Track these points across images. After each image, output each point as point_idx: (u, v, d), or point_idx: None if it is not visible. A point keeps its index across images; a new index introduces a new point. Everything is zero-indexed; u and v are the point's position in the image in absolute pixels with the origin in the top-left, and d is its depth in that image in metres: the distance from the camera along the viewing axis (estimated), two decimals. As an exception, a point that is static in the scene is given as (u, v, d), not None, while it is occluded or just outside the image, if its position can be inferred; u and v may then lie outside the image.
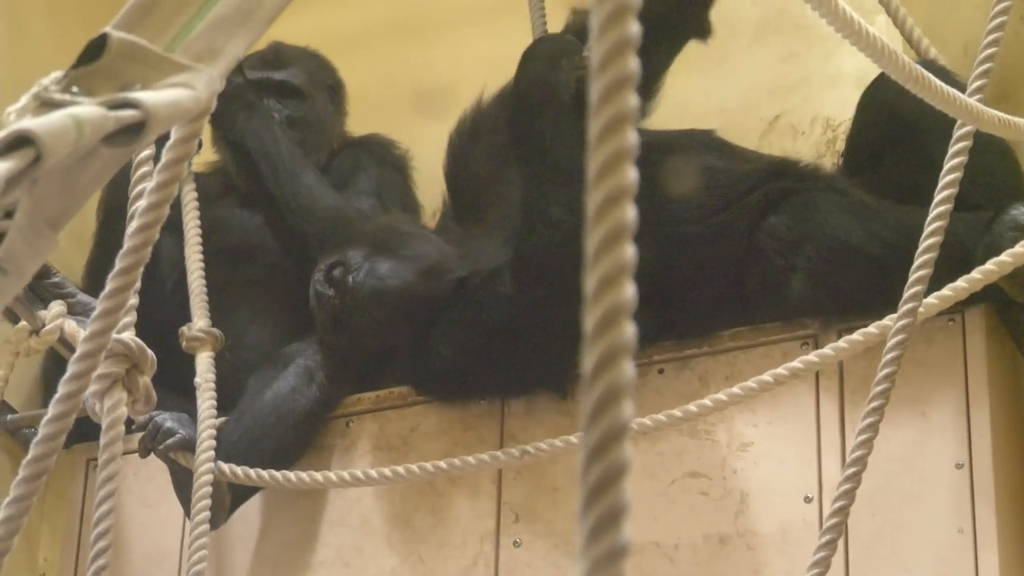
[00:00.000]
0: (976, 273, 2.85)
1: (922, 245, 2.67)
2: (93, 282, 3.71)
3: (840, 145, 3.73)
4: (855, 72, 3.71)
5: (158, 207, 1.79)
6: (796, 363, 2.99)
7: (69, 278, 3.65)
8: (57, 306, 3.39)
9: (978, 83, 2.67)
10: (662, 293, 3.35)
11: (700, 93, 3.93)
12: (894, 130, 3.46)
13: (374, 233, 3.67)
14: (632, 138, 0.99)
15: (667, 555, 3.32)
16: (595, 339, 0.97)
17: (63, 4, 4.12)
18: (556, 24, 3.67)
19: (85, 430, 2.31)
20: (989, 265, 2.85)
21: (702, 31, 3.49)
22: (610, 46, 0.99)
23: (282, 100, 4.04)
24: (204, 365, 3.43)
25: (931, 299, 2.85)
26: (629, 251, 0.98)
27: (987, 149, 3.15)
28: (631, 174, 0.99)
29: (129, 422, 2.47)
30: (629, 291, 0.98)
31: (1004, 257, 2.86)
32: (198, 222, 3.63)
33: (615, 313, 0.97)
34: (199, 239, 3.60)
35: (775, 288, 3.36)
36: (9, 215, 1.33)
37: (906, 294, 2.68)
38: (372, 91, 4.27)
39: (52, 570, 3.81)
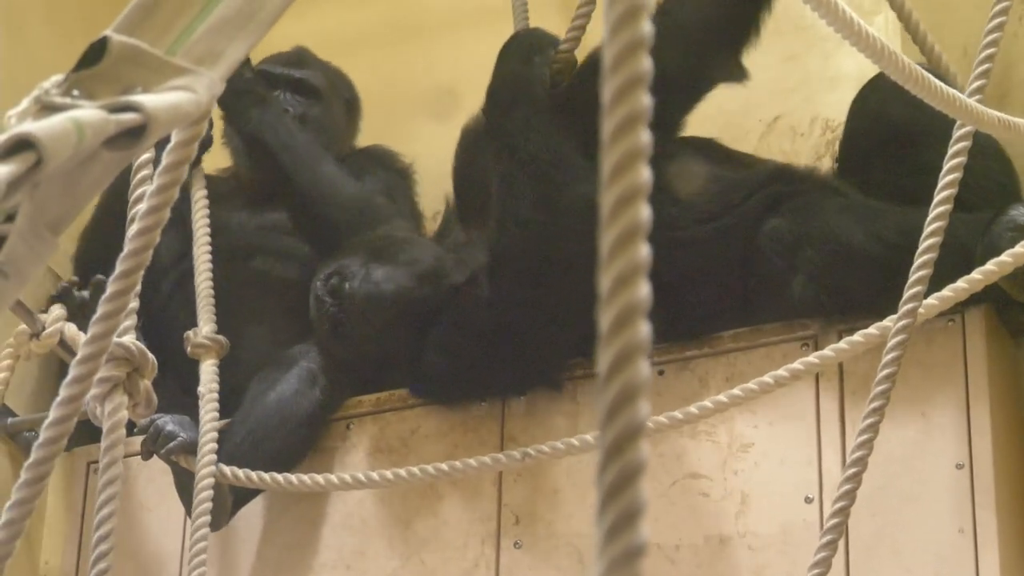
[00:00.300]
0: (976, 273, 2.85)
1: (922, 246, 2.67)
2: (82, 276, 3.70)
3: (839, 146, 3.73)
4: (855, 73, 3.71)
5: (159, 210, 1.79)
6: (796, 364, 2.99)
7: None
8: (57, 309, 3.39)
9: (977, 84, 2.67)
10: (663, 295, 3.34)
11: (700, 94, 3.93)
12: (884, 135, 3.46)
13: (371, 241, 3.68)
14: (645, 137, 0.98)
15: (668, 556, 3.32)
16: (610, 338, 0.96)
17: (63, 7, 4.11)
18: (556, 24, 3.66)
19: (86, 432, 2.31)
20: (989, 265, 2.85)
21: (736, 75, 3.41)
22: (622, 46, 0.99)
23: (298, 97, 4.06)
24: (208, 374, 3.43)
25: (931, 300, 2.84)
26: (644, 250, 0.97)
27: (981, 152, 3.15)
28: (645, 173, 0.98)
29: (131, 425, 2.47)
30: (644, 290, 0.97)
31: (1004, 257, 2.85)
32: (208, 225, 3.60)
33: (630, 312, 0.97)
34: (208, 242, 3.57)
35: (776, 289, 3.36)
36: (10, 219, 1.33)
37: (906, 295, 2.68)
38: (372, 92, 4.27)
39: (54, 573, 3.81)
